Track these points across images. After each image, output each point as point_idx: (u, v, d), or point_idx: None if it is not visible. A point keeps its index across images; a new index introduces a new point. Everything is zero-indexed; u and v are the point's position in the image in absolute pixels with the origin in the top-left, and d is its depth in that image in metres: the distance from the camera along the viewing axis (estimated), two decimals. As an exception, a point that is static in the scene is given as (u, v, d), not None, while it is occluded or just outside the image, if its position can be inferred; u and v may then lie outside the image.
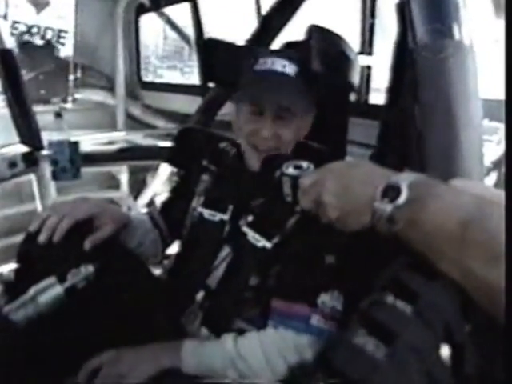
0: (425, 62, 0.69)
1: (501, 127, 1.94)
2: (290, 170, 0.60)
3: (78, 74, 2.25)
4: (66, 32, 2.34)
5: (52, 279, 0.61)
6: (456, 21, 0.71)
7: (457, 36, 0.71)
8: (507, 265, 0.38)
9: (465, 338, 0.35)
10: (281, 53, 0.78)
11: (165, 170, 1.93)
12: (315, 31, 0.76)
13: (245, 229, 0.74)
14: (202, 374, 0.64)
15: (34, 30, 2.24)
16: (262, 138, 0.74)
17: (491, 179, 1.41)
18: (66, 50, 2.38)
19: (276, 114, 0.74)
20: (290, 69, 0.73)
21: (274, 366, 0.62)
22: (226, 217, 0.79)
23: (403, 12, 0.69)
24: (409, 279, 0.37)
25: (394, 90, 0.83)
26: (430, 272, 0.38)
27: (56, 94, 2.11)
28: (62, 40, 2.43)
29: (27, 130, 1.45)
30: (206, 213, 0.82)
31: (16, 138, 1.49)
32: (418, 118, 0.73)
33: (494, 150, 1.69)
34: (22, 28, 2.22)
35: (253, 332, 0.67)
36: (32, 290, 0.60)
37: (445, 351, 0.32)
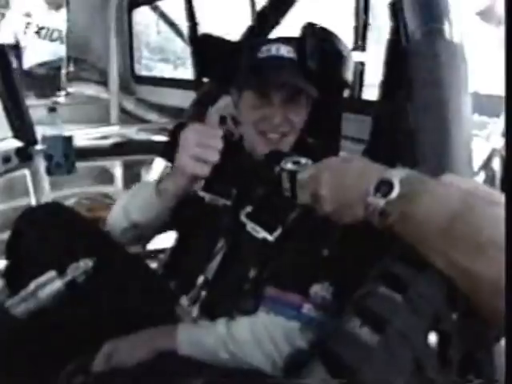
0: (416, 59, 0.70)
1: (490, 122, 1.96)
2: (289, 166, 0.61)
3: (71, 68, 2.23)
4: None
5: (52, 273, 0.62)
6: (447, 19, 0.73)
7: (448, 34, 0.73)
8: (507, 265, 0.40)
9: (451, 326, 0.37)
10: (282, 39, 0.78)
11: (159, 164, 1.93)
12: (310, 29, 0.77)
13: (243, 219, 0.75)
14: (197, 356, 0.65)
15: (43, 31, 2.22)
16: (272, 125, 0.74)
17: (481, 174, 1.43)
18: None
19: (286, 98, 0.74)
20: (293, 55, 0.75)
21: (265, 349, 0.64)
22: (229, 202, 0.79)
23: (396, 11, 0.70)
24: (400, 270, 0.39)
25: (386, 86, 0.85)
26: (420, 263, 0.40)
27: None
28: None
29: (21, 124, 1.44)
30: (208, 197, 0.83)
31: (9, 133, 1.48)
32: (409, 114, 0.75)
33: (483, 145, 1.71)
34: (33, 28, 2.20)
35: (245, 317, 0.69)
36: (33, 285, 0.61)
37: (432, 338, 0.34)
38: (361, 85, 1.17)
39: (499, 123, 1.86)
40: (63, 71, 2.17)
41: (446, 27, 0.72)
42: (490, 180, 1.39)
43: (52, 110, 1.36)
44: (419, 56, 0.70)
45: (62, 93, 2.15)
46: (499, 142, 1.80)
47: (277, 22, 1.22)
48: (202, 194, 0.83)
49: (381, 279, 0.38)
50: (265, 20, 1.22)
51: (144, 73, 2.94)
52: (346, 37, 1.26)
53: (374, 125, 0.96)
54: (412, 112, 0.74)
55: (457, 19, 0.78)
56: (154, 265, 1.12)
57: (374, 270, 0.38)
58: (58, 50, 2.31)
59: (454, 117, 0.73)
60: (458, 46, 0.76)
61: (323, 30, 0.79)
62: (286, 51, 0.74)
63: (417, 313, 0.34)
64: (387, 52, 0.77)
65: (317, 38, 0.76)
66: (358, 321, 0.30)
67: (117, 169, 2.04)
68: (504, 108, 0.57)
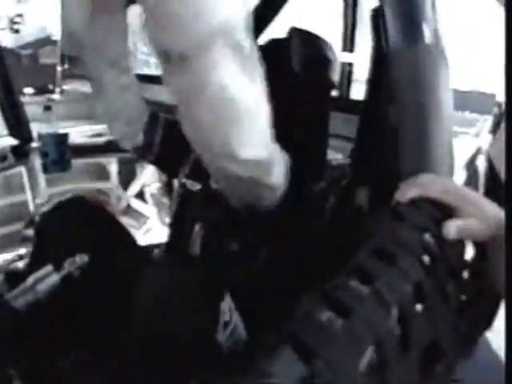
0: (398, 65, 0.74)
1: (480, 119, 1.99)
2: None
3: (66, 66, 2.23)
4: (20, 16, 2.21)
5: (49, 268, 0.66)
6: (428, 26, 0.76)
7: (428, 40, 0.76)
8: (507, 264, 0.44)
9: (414, 315, 0.41)
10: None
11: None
12: (296, 34, 0.80)
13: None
14: None
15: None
16: None
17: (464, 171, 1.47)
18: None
19: None
20: None
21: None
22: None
23: (377, 18, 0.74)
24: (370, 265, 0.43)
25: (371, 88, 0.88)
26: (391, 258, 0.44)
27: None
28: (15, 26, 2.27)
29: (16, 122, 1.46)
30: (188, 183, 0.86)
31: (4, 131, 1.50)
32: (392, 116, 0.79)
33: (471, 142, 1.76)
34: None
35: None
36: (31, 279, 0.64)
37: (395, 326, 0.38)
38: (349, 84, 1.21)
39: (488, 120, 1.90)
40: (59, 69, 2.18)
41: (427, 34, 0.75)
42: (472, 177, 1.44)
43: (47, 108, 1.39)
44: (400, 62, 0.73)
45: (57, 90, 2.17)
46: (486, 140, 1.84)
47: (269, 21, 1.25)
48: (184, 180, 0.87)
49: (351, 273, 0.41)
50: (258, 19, 1.25)
51: (140, 70, 2.95)
52: (336, 37, 1.29)
53: (360, 124, 1.00)
54: (394, 115, 0.77)
55: (438, 24, 0.81)
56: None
57: (347, 265, 0.42)
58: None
59: (433, 119, 0.77)
60: (438, 51, 0.79)
61: (309, 34, 0.82)
62: None
63: (382, 303, 0.38)
64: (371, 57, 0.80)
65: (302, 43, 0.79)
66: (326, 308, 0.34)
67: (112, 165, 2.07)
68: (504, 110, 0.60)
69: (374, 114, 0.92)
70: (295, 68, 0.79)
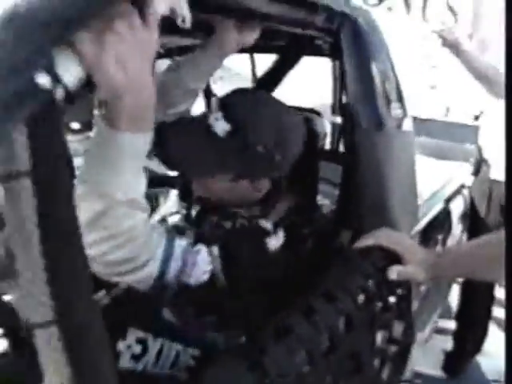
0: (363, 143, 0.96)
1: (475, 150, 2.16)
2: None
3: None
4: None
5: (103, 292, 0.91)
6: (389, 115, 0.98)
7: (389, 125, 0.99)
8: (507, 265, 0.62)
9: (340, 336, 0.64)
10: (219, 106, 0.84)
11: (175, 192, 2.21)
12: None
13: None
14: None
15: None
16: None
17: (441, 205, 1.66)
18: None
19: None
20: (219, 126, 0.82)
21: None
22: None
23: (345, 109, 0.97)
24: (316, 302, 0.67)
25: (346, 162, 1.09)
26: (332, 298, 0.68)
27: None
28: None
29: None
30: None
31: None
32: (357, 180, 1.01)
33: (469, 169, 1.96)
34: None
35: None
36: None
37: (325, 342, 0.62)
38: (338, 140, 1.44)
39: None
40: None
41: (388, 121, 0.98)
42: (445, 214, 1.64)
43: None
44: (364, 141, 0.96)
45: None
46: (469, 180, 2.05)
47: (274, 87, 1.50)
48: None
49: (304, 307, 0.65)
50: (264, 85, 1.50)
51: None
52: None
53: (342, 178, 1.22)
54: (358, 180, 1.00)
55: (405, 111, 1.04)
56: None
57: (298, 302, 0.65)
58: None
59: (390, 189, 0.98)
60: (400, 132, 1.02)
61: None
62: (213, 119, 0.84)
63: (315, 327, 0.61)
64: (344, 138, 1.04)
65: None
66: (273, 334, 0.58)
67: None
68: (504, 115, 0.68)
69: (350, 173, 1.15)
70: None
